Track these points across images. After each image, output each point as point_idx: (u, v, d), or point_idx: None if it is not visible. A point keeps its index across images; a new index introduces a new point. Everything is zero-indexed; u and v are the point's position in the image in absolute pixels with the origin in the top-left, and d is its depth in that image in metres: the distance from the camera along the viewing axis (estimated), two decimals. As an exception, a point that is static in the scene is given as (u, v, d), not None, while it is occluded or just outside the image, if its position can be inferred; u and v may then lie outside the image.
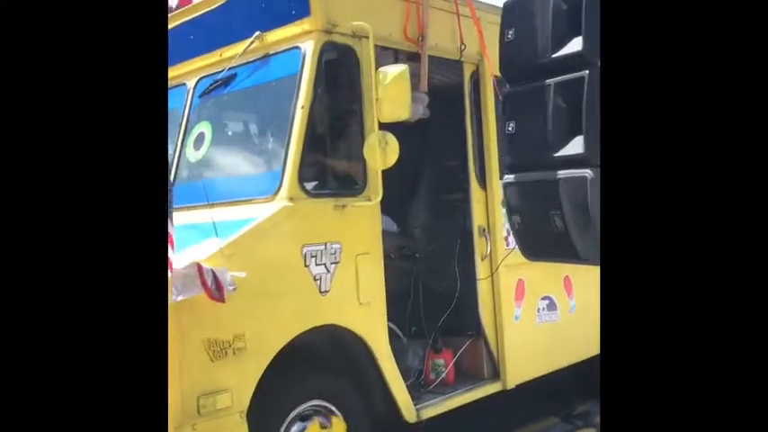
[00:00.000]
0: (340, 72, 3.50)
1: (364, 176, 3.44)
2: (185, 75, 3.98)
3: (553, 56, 3.28)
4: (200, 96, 3.84)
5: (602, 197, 1.78)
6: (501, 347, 4.19)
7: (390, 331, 4.04)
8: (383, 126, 3.47)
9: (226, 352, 2.79)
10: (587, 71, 2.17)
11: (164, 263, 1.58)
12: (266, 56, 3.51)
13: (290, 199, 3.13)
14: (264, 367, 2.92)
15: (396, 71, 3.25)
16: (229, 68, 3.66)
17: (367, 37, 3.44)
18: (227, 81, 3.69)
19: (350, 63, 3.44)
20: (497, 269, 4.10)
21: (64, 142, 1.37)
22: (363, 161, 3.37)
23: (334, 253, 3.28)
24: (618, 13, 1.58)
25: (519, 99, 3.37)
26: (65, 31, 1.39)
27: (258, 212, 3.07)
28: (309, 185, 3.28)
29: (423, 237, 4.22)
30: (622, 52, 1.60)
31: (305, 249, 3.15)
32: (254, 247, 2.96)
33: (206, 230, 2.90)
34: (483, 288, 4.18)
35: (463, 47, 4.04)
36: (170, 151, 3.73)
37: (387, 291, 3.89)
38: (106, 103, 1.41)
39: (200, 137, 3.74)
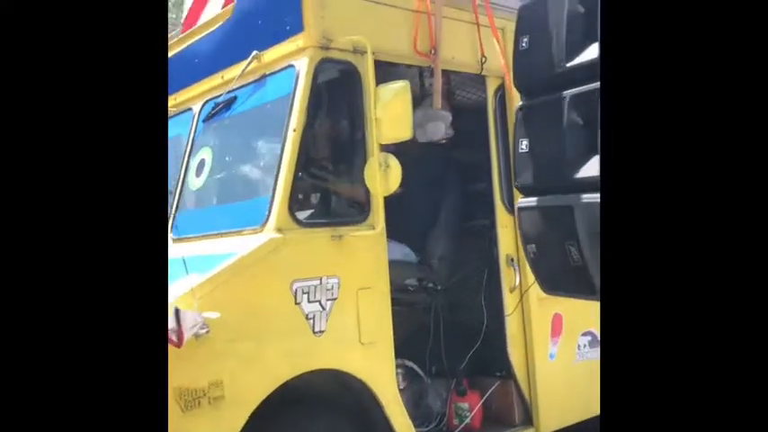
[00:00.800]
0: (339, 91, 3.24)
1: (367, 203, 3.14)
2: (192, 99, 3.80)
3: (568, 65, 2.88)
4: (203, 121, 3.65)
5: (601, 198, 1.68)
6: (534, 389, 3.77)
7: (409, 371, 3.73)
8: (406, 147, 3.20)
9: (199, 402, 2.53)
10: (604, 81, 1.89)
11: (164, 263, 1.53)
12: (263, 76, 3.28)
13: (279, 230, 2.86)
14: (246, 417, 2.64)
15: (395, 87, 2.95)
16: (229, 91, 3.45)
17: (371, 53, 3.16)
18: (227, 104, 3.48)
19: (350, 81, 3.16)
20: (521, 301, 3.70)
21: (63, 144, 1.36)
22: (365, 187, 3.08)
23: (331, 288, 2.98)
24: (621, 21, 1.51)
25: (532, 114, 3.00)
26: (65, 32, 1.39)
27: (243, 246, 2.81)
28: (302, 215, 3.01)
29: (445, 267, 3.86)
30: (625, 62, 1.52)
31: (295, 285, 2.86)
32: (234, 284, 2.70)
33: (191, 265, 2.67)
34: (512, 323, 3.78)
35: (484, 59, 3.69)
36: (175, 178, 3.56)
37: (405, 327, 3.58)
38: (106, 104, 1.40)
39: (201, 163, 3.54)
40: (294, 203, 2.93)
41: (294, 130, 2.95)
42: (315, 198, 3.21)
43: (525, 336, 3.83)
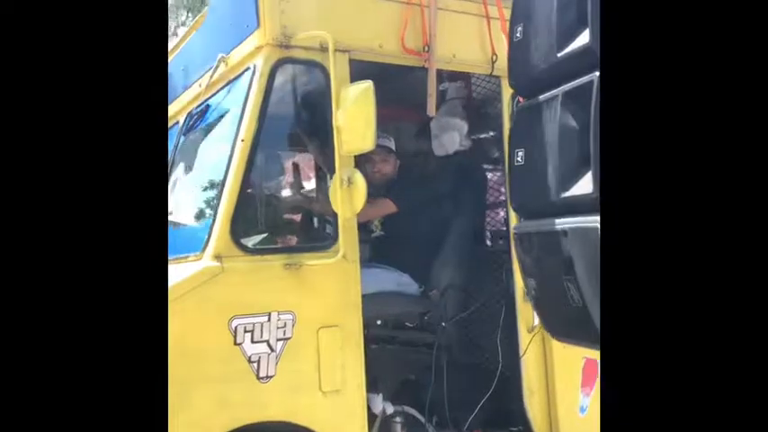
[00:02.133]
0: (305, 95, 2.80)
1: (335, 227, 2.67)
2: (180, 111, 3.50)
3: (559, 54, 2.31)
4: (183, 135, 3.33)
5: (601, 203, 1.59)
6: (557, 450, 3.15)
7: (410, 419, 3.21)
8: (412, 159, 2.70)
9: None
10: (597, 73, 1.73)
11: (164, 262, 1.54)
12: (228, 82, 2.91)
13: (217, 257, 2.45)
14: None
15: (356, 89, 2.48)
16: (203, 101, 3.12)
17: (344, 51, 2.72)
18: (200, 116, 3.15)
19: (318, 83, 2.72)
20: (532, 342, 3.09)
21: (63, 144, 1.35)
22: (331, 207, 2.62)
23: (283, 326, 2.53)
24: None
25: (527, 119, 2.43)
26: (65, 32, 1.38)
27: (177, 275, 2.42)
28: (251, 240, 2.59)
29: (451, 300, 3.30)
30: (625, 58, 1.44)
31: (235, 322, 2.44)
32: (154, 320, 2.30)
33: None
34: (531, 369, 3.18)
35: (495, 57, 3.15)
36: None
37: (404, 369, 3.09)
38: (106, 104, 1.40)
39: (174, 182, 3.22)
40: (239, 226, 2.50)
41: (242, 140, 2.55)
42: (266, 220, 2.78)
43: (548, 384, 3.20)
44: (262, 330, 2.48)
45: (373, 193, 3.48)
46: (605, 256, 1.48)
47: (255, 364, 2.46)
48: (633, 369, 1.33)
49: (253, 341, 2.46)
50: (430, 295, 3.23)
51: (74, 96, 1.37)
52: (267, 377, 2.48)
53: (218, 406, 2.38)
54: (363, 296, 3.00)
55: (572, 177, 2.17)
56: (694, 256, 1.31)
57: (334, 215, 2.61)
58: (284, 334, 2.53)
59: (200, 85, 3.18)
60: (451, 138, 3.58)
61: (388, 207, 3.30)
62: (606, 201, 1.55)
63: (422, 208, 3.41)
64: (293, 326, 2.55)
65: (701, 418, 1.27)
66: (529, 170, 2.45)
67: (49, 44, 1.37)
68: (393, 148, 3.47)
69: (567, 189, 2.20)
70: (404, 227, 3.34)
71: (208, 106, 3.09)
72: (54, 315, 1.31)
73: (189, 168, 3.16)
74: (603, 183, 1.61)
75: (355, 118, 2.45)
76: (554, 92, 2.30)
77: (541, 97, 2.38)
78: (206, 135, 3.08)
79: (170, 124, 3.54)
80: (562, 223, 2.24)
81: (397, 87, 3.15)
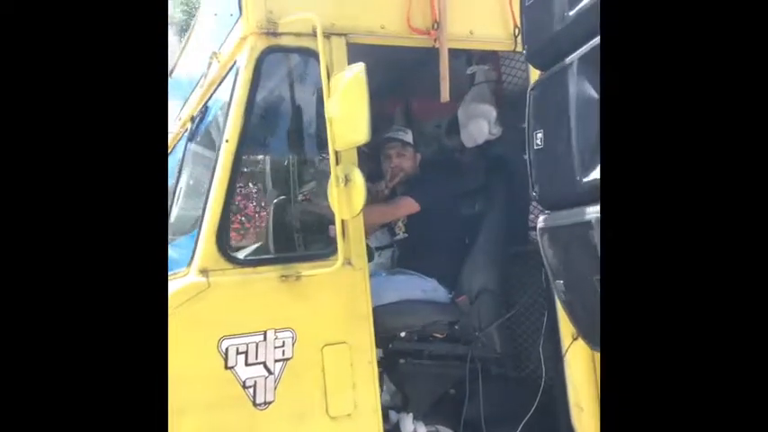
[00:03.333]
0: (296, 86, 2.53)
1: (340, 232, 2.38)
2: (189, 117, 3.30)
3: (571, 12, 1.96)
4: (188, 141, 3.12)
5: (601, 197, 1.48)
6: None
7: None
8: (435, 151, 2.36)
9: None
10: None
11: (164, 263, 1.55)
12: (221, 80, 2.67)
13: (203, 272, 2.21)
14: None
15: (346, 76, 2.19)
16: (203, 104, 2.90)
17: (341, 34, 2.44)
18: (200, 120, 2.93)
19: (312, 72, 2.44)
20: (566, 351, 2.70)
21: (63, 144, 1.35)
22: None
23: (282, 346, 2.27)
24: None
25: (545, 95, 2.07)
26: (65, 31, 1.37)
27: (160, 293, 2.19)
28: (242, 252, 2.34)
29: (485, 306, 2.95)
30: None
31: (225, 344, 2.18)
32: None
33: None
34: (579, 381, 2.79)
35: (517, 31, 2.79)
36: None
37: (433, 385, 2.78)
38: (106, 105, 1.40)
39: (179, 191, 3.01)
40: (225, 236, 2.25)
41: (227, 141, 2.30)
42: (257, 227, 2.52)
43: (599, 399, 2.81)
44: (257, 351, 2.22)
45: (394, 191, 3.21)
46: (605, 255, 1.39)
47: (251, 390, 2.21)
48: (633, 368, 1.30)
49: (247, 363, 2.20)
50: (466, 302, 2.89)
51: (74, 96, 1.37)
52: (265, 403, 2.22)
53: (207, 437, 2.13)
54: (384, 306, 2.72)
55: (594, 157, 1.82)
56: (694, 257, 1.28)
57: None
58: (283, 354, 2.26)
59: (201, 87, 2.97)
60: (479, 126, 3.23)
61: (409, 206, 2.99)
62: (606, 200, 1.42)
63: (448, 206, 3.08)
64: (293, 344, 2.28)
65: (701, 418, 1.25)
66: (549, 154, 2.11)
67: (49, 44, 1.36)
68: (410, 140, 3.15)
69: (589, 172, 1.85)
70: (429, 227, 3.01)
71: (206, 108, 2.87)
72: (50, 321, 1.30)
73: (190, 178, 2.94)
74: (605, 173, 1.47)
75: (346, 107, 2.16)
76: (568, 59, 1.96)
77: (556, 67, 2.04)
78: (202, 140, 2.86)
79: (182, 131, 3.36)
80: (587, 213, 1.89)
81: (427, 76, 2.84)
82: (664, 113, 1.31)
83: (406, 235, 3.13)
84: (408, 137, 3.15)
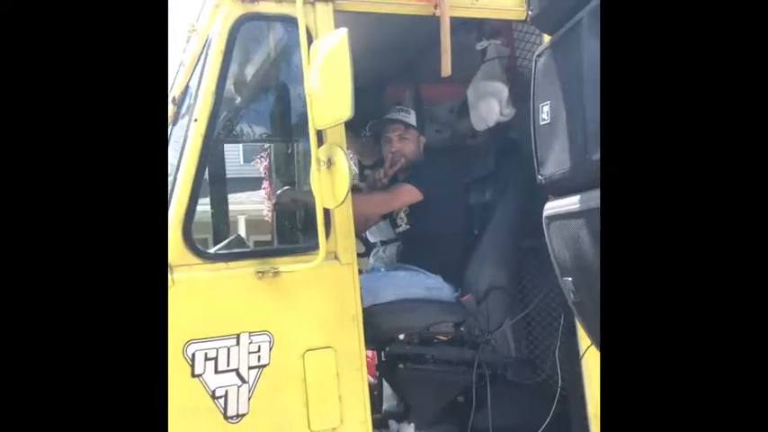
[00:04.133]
0: (275, 58, 2.26)
1: (325, 221, 2.11)
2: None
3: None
4: (172, 125, 2.88)
5: (602, 193, 1.40)
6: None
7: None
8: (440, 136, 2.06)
9: None
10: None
11: (164, 262, 1.59)
12: (198, 56, 2.42)
13: (168, 267, 1.96)
14: None
15: (327, 42, 1.91)
16: (185, 85, 2.66)
17: (324, 0, 2.17)
18: (181, 101, 2.68)
19: (295, 43, 2.17)
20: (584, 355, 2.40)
21: (63, 143, 1.35)
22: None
23: (257, 351, 2.01)
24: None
25: (549, 62, 1.78)
26: (65, 31, 1.37)
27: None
28: (213, 246, 2.09)
29: (495, 305, 2.66)
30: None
31: (191, 348, 1.93)
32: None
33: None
34: (596, 388, 2.48)
35: (529, -2, 2.48)
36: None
37: (437, 392, 2.52)
38: (106, 105, 1.39)
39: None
40: (189, 226, 2.00)
41: (195, 120, 2.04)
42: (228, 218, 2.26)
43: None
44: (228, 357, 1.97)
45: (396, 178, 2.93)
46: (605, 254, 1.33)
47: (222, 400, 1.96)
48: (634, 368, 1.27)
49: (217, 371, 1.96)
50: (473, 302, 2.60)
51: (74, 96, 1.36)
52: (238, 416, 1.97)
53: (171, 455, 1.89)
54: (380, 305, 2.46)
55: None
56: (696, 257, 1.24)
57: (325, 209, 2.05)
58: (259, 360, 2.01)
59: (182, 65, 2.73)
60: (489, 106, 2.93)
61: (410, 194, 2.71)
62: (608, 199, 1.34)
63: (455, 195, 2.80)
64: (270, 349, 2.02)
65: (702, 418, 1.22)
66: (556, 129, 1.81)
67: (49, 44, 1.35)
68: (413, 122, 2.86)
69: (595, 151, 1.55)
70: (433, 218, 2.73)
71: (187, 88, 2.62)
72: (47, 317, 1.29)
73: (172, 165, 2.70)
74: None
75: (327, 79, 1.88)
76: (579, 15, 1.66)
77: (565, 28, 1.73)
78: (181, 123, 2.61)
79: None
80: (596, 198, 1.59)
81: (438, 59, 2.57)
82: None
83: (409, 227, 2.85)
84: (411, 118, 2.87)
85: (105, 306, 1.33)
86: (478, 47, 3.10)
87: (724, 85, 1.21)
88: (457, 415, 2.67)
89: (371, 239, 3.49)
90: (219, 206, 3.28)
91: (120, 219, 1.37)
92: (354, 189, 3.34)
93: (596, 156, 1.56)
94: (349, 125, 3.34)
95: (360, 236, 3.04)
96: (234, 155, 8.87)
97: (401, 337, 2.58)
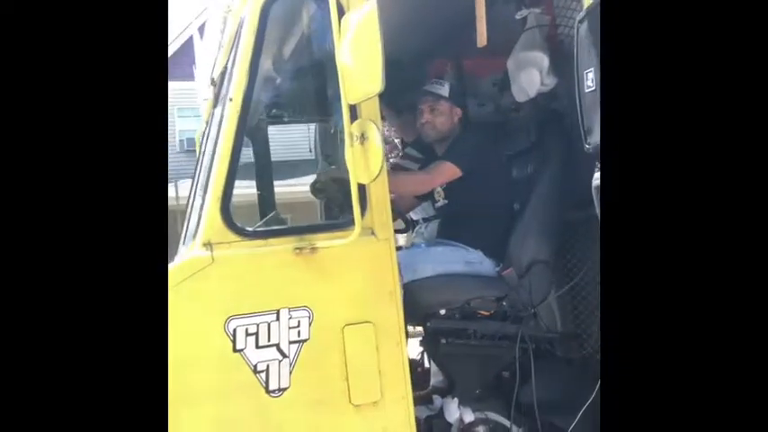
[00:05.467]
0: (308, 36, 2.26)
1: (362, 198, 2.11)
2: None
3: None
4: (213, 108, 2.92)
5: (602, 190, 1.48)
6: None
7: (498, 427, 2.60)
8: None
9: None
10: None
11: (163, 261, 1.58)
12: (235, 37, 2.44)
13: (207, 245, 2.00)
14: None
15: (357, 17, 1.90)
16: (223, 67, 2.69)
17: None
18: (221, 82, 2.71)
19: (324, 19, 2.16)
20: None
21: (63, 143, 1.37)
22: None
23: (297, 326, 2.04)
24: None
25: (593, 26, 1.77)
26: (65, 31, 1.38)
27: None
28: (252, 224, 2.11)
29: (537, 280, 2.62)
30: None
31: (233, 324, 1.97)
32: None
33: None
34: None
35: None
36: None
37: (480, 368, 2.51)
38: (106, 104, 1.41)
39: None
40: (227, 205, 2.03)
41: (231, 100, 2.07)
42: (267, 196, 2.27)
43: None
44: (269, 332, 2.00)
45: (434, 152, 2.91)
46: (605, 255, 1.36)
47: (263, 375, 1.99)
48: (633, 367, 1.28)
49: (258, 346, 1.99)
50: (515, 277, 2.57)
51: (74, 94, 1.37)
52: (279, 390, 2.00)
53: (216, 428, 1.94)
54: (419, 281, 2.46)
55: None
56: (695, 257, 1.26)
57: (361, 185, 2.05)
58: (299, 335, 2.03)
59: (221, 47, 2.75)
60: (530, 76, 2.87)
61: (448, 172, 2.68)
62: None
63: (494, 168, 2.76)
64: (310, 325, 2.04)
65: (702, 418, 1.23)
66: (609, 95, 1.76)
67: (49, 44, 1.37)
68: (446, 94, 2.81)
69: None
70: (472, 193, 2.69)
71: (225, 70, 2.65)
72: (48, 315, 1.31)
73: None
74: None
75: (357, 53, 1.87)
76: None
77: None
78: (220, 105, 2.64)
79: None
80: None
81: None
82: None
83: (447, 201, 2.82)
84: (444, 90, 2.82)
85: (104, 300, 1.35)
86: (518, 16, 3.02)
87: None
88: (502, 390, 2.65)
89: (414, 217, 3.48)
90: (266, 188, 3.35)
91: (119, 213, 1.38)
92: (397, 167, 3.34)
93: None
94: (391, 102, 3.35)
95: (402, 215, 3.03)
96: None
97: (442, 312, 2.58)
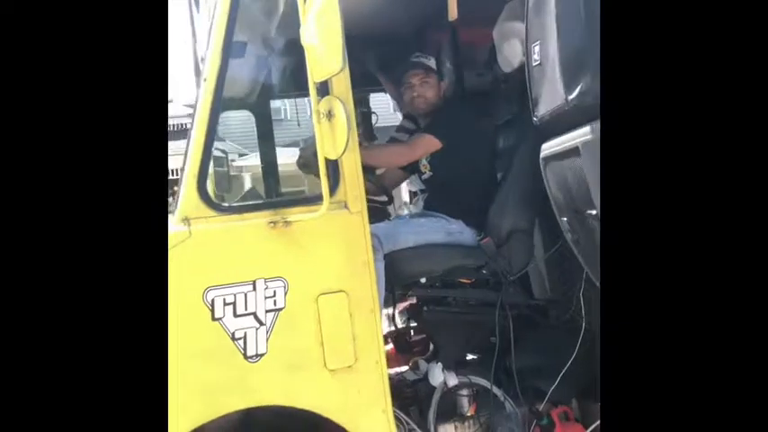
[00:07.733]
0: (287, 15, 2.31)
1: (334, 172, 2.20)
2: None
3: None
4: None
5: (601, 184, 1.39)
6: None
7: (481, 392, 2.70)
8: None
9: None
10: None
11: (163, 260, 1.60)
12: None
13: (185, 220, 2.10)
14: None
15: (319, -3, 1.95)
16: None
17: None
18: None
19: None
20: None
21: (64, 142, 1.37)
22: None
23: (273, 296, 2.14)
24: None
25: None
26: (65, 31, 1.39)
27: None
28: (228, 198, 2.20)
29: (516, 248, 2.68)
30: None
31: (211, 294, 2.08)
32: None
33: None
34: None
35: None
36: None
37: (467, 334, 2.61)
38: (106, 104, 1.41)
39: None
40: (203, 181, 2.12)
41: (205, 80, 2.15)
42: (241, 171, 2.35)
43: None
44: (246, 302, 2.11)
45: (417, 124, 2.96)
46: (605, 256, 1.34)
47: (241, 341, 2.10)
48: (634, 366, 1.29)
49: (236, 315, 2.10)
50: (482, 245, 2.64)
51: (74, 94, 1.38)
52: (257, 356, 2.11)
53: (199, 392, 2.06)
54: (399, 251, 2.54)
55: (579, 72, 1.51)
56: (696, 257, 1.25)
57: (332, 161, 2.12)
58: (275, 304, 2.13)
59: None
60: (512, 47, 2.89)
61: (428, 144, 2.74)
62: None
63: (475, 140, 2.80)
64: (285, 294, 2.14)
65: (703, 418, 1.23)
66: (544, 70, 1.80)
67: (49, 44, 1.37)
68: (434, 66, 2.86)
69: (573, 89, 1.54)
70: (453, 164, 2.75)
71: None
72: (48, 310, 1.32)
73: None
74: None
75: (319, 33, 1.93)
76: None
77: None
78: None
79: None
80: (576, 137, 1.59)
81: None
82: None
83: (432, 173, 2.89)
84: (432, 62, 2.87)
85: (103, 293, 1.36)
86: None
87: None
88: (484, 356, 2.74)
89: (411, 189, 3.55)
90: (268, 160, 3.45)
91: (119, 209, 1.40)
92: (392, 140, 3.40)
93: (570, 95, 1.55)
94: (389, 74, 3.38)
95: (385, 189, 3.10)
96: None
97: (423, 280, 2.66)
